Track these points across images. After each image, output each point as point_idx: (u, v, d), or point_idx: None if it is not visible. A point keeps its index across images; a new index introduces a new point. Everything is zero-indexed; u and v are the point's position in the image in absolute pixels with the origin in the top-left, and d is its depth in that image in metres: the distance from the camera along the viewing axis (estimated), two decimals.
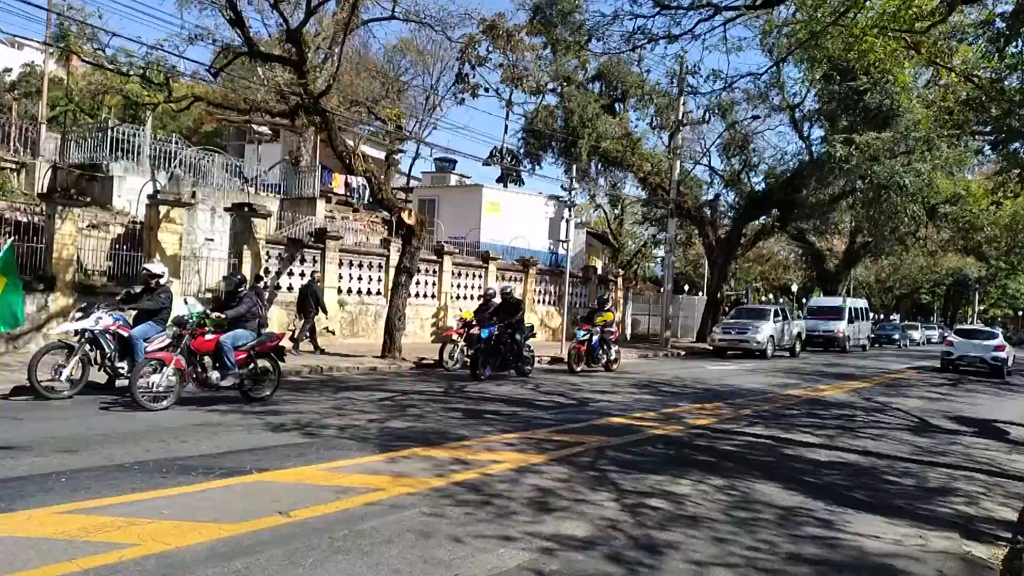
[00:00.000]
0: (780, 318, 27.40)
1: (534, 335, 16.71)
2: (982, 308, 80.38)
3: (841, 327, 33.37)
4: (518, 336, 15.53)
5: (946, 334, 56.52)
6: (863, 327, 36.97)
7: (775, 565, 4.71)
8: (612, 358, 18.22)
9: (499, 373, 15.25)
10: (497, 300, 16.83)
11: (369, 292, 22.15)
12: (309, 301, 17.86)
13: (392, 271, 20.01)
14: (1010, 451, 9.65)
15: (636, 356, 23.85)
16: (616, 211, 48.16)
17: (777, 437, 9.57)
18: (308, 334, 17.85)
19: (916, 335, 52.91)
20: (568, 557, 4.64)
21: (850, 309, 34.96)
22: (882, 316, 67.64)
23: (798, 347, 28.79)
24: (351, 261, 21.68)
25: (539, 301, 28.75)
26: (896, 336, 47.14)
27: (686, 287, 48.04)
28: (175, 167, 22.97)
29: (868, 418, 12.05)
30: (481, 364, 14.79)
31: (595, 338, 17.44)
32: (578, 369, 17.09)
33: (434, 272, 24.21)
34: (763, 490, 6.61)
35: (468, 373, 14.95)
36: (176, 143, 24.26)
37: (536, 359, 17.30)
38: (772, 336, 25.97)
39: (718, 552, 4.88)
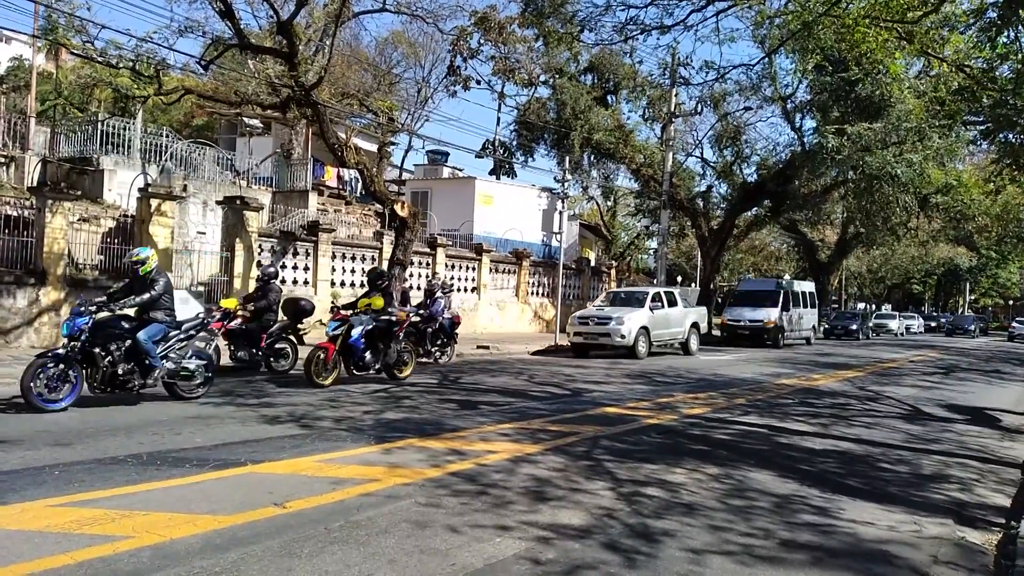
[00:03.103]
0: (661, 304, 21.53)
1: (204, 323, 10.28)
2: (973, 298, 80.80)
3: (772, 316, 27.56)
4: (144, 335, 8.90)
5: (933, 324, 61.11)
6: (807, 316, 30.93)
7: (771, 552, 4.72)
8: (393, 360, 12.25)
9: (109, 394, 8.99)
10: (275, 289, 13.08)
11: (363, 285, 22.08)
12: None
13: (385, 263, 19.96)
14: (1002, 438, 9.70)
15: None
16: (609, 203, 48.16)
17: (771, 426, 9.59)
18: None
19: (893, 325, 49.18)
20: (564, 546, 4.64)
21: (787, 294, 29.09)
22: (873, 305, 67.91)
23: (694, 343, 22.57)
24: (344, 254, 21.63)
25: (533, 293, 28.78)
26: (854, 327, 39.55)
27: (679, 278, 48.15)
28: (166, 160, 22.85)
29: (862, 406, 12.10)
30: (47, 386, 8.30)
31: (356, 333, 11.60)
32: (326, 382, 11.32)
33: (427, 264, 24.18)
34: (758, 478, 6.63)
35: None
36: (167, 136, 24.14)
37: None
38: (645, 328, 20.06)
39: (714, 540, 4.89)
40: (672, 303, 22.17)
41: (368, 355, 11.93)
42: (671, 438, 8.45)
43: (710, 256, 34.40)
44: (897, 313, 56.89)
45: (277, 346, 12.82)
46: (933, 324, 61.03)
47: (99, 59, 18.35)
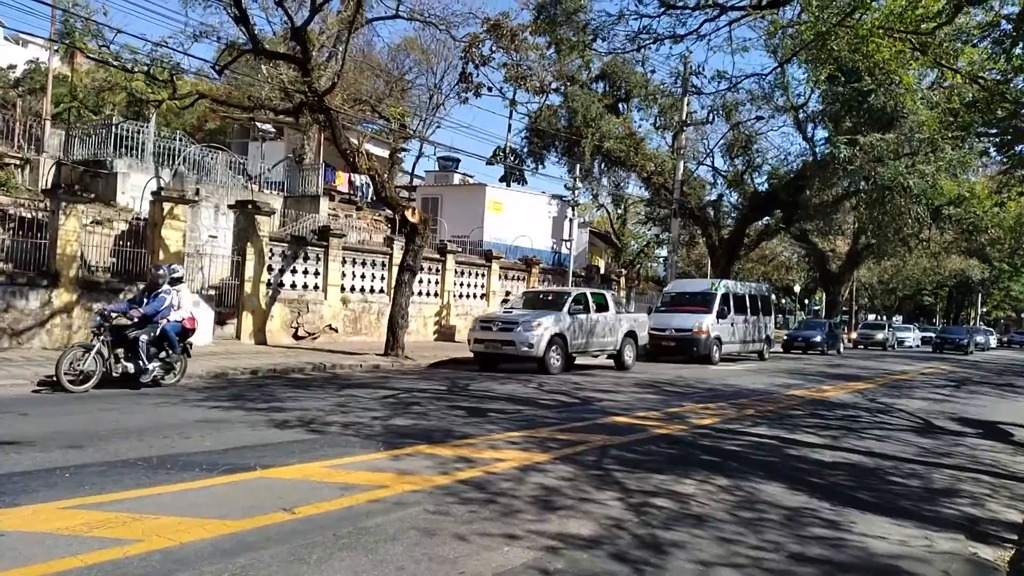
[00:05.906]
0: (585, 308, 17.90)
1: None
2: (984, 310, 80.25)
3: (704, 324, 22.38)
4: None
5: (931, 336, 53.90)
6: (758, 325, 25.87)
7: (781, 565, 4.68)
8: None
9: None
10: None
11: (372, 290, 22.17)
12: None
13: (395, 269, 20.01)
14: (1015, 452, 9.60)
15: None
16: (619, 211, 48.17)
17: (781, 437, 9.54)
18: None
19: (879, 336, 44.94)
20: (573, 556, 4.62)
21: (724, 297, 23.82)
22: (885, 316, 67.42)
23: (629, 356, 19.00)
24: (354, 259, 21.70)
25: None
26: (818, 339, 33.31)
27: None
28: (179, 164, 22.99)
29: (872, 419, 12.02)
30: None
31: None
32: None
33: (437, 271, 24.22)
34: (768, 490, 6.59)
35: None
36: (180, 140, 24.29)
37: None
38: (561, 336, 16.69)
39: (723, 552, 4.86)
40: (602, 307, 18.53)
41: None
42: (681, 448, 8.41)
43: (720, 265, 34.27)
44: (888, 324, 52.61)
45: None
46: (934, 336, 52.90)
47: (114, 63, 18.48)
